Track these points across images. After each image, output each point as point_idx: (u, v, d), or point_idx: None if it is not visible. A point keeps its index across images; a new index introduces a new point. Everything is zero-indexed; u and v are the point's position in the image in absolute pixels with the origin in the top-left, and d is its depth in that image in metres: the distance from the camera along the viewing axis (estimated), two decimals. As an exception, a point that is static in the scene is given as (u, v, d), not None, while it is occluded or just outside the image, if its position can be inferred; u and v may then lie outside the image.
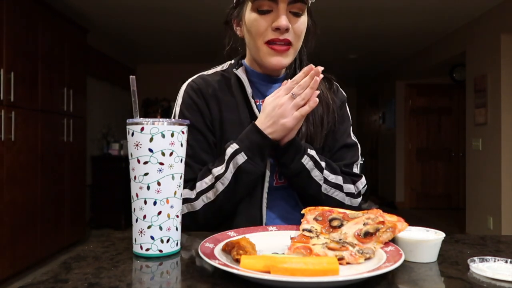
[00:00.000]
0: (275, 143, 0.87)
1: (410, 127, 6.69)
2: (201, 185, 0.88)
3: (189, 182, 0.90)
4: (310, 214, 0.71)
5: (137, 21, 4.64)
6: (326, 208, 0.71)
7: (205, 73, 1.03)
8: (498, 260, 0.58)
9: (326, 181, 0.91)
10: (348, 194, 0.95)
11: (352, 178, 0.98)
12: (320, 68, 0.84)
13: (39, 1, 3.29)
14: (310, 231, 0.67)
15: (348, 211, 0.70)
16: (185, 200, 0.88)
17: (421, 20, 4.48)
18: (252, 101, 0.95)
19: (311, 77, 0.84)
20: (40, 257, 3.33)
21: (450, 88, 6.45)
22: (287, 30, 0.87)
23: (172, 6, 4.12)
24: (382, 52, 5.99)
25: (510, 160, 3.91)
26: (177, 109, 0.97)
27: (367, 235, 0.63)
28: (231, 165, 0.85)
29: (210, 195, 0.87)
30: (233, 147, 0.86)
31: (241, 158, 0.85)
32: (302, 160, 0.88)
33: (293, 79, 0.87)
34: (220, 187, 0.86)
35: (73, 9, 4.16)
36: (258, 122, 0.87)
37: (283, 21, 0.86)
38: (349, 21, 4.56)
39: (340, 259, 0.58)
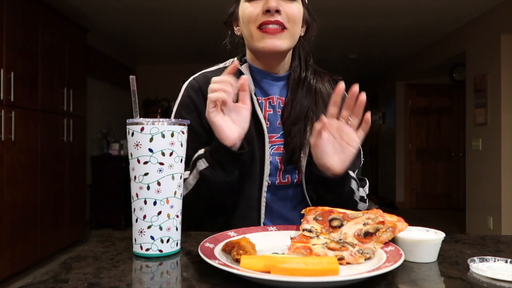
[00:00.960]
0: (235, 154, 0.82)
1: (410, 127, 6.69)
2: None
3: None
4: (310, 214, 0.71)
5: (137, 21, 4.64)
6: (326, 208, 0.71)
7: (208, 70, 1.02)
8: (498, 260, 0.58)
9: (357, 196, 0.93)
10: (361, 199, 0.96)
11: (361, 183, 0.98)
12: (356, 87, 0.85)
13: (39, 1, 3.29)
14: (310, 231, 0.67)
15: (348, 211, 0.70)
16: None
17: (421, 20, 4.48)
18: (255, 98, 0.94)
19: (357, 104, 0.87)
20: (40, 257, 3.33)
21: (450, 88, 6.44)
22: (278, 12, 0.88)
23: (172, 6, 4.11)
24: (382, 52, 5.99)
25: (510, 160, 3.91)
26: (175, 107, 0.98)
27: (367, 235, 0.63)
28: (194, 170, 0.84)
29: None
30: (200, 151, 0.86)
31: (202, 164, 0.83)
32: (352, 185, 0.90)
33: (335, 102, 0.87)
34: (184, 191, 0.83)
35: (73, 9, 4.16)
36: None
37: (272, 2, 0.86)
38: (349, 21, 4.56)
39: (340, 259, 0.58)
